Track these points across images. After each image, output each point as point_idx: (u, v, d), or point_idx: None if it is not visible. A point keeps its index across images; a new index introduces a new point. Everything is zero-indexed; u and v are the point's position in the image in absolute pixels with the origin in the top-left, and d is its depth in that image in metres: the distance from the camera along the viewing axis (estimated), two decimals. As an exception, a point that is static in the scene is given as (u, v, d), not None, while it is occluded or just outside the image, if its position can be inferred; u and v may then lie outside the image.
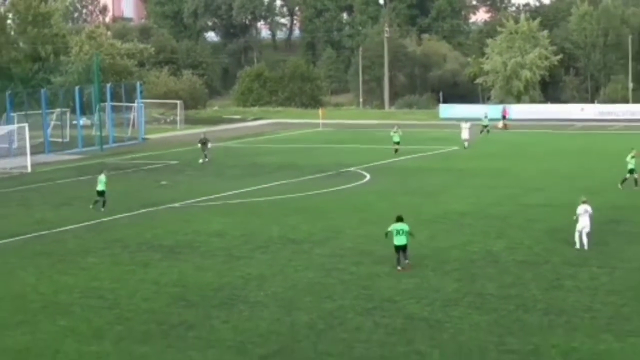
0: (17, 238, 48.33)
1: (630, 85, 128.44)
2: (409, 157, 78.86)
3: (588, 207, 41.34)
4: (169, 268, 40.85)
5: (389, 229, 37.26)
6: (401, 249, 36.50)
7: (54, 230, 50.19)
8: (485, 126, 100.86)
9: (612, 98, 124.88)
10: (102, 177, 55.13)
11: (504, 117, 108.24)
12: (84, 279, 39.61)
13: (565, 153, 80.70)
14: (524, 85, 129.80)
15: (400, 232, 36.18)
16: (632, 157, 60.55)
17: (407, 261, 36.84)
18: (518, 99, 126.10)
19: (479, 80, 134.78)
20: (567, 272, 38.89)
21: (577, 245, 41.37)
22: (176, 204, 57.31)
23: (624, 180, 59.90)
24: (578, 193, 57.71)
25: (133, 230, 50.00)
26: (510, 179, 65.24)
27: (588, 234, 40.98)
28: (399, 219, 37.02)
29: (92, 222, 52.14)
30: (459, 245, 44.32)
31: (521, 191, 59.48)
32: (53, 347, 30.70)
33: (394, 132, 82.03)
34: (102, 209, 53.95)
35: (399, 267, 36.67)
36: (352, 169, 71.43)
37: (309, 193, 60.75)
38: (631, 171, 60.41)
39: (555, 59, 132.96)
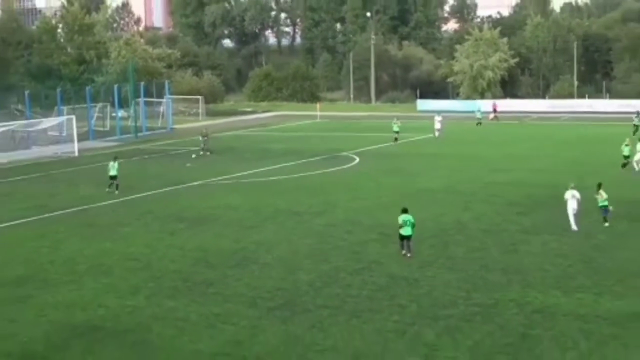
0: (66, 211, 48.47)
1: (575, 83, 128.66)
2: (391, 143, 78.78)
3: (575, 192, 39.81)
4: (192, 236, 41.02)
5: (399, 221, 34.56)
6: (406, 238, 34.51)
7: (96, 205, 50.29)
8: (479, 119, 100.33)
9: (560, 94, 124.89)
10: (114, 164, 54.63)
11: (494, 111, 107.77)
12: (122, 245, 39.75)
13: (523, 140, 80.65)
14: (487, 83, 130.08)
15: (407, 222, 34.05)
16: (626, 145, 59.65)
17: (409, 254, 34.71)
18: (482, 95, 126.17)
19: (449, 79, 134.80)
20: (522, 239, 39.06)
21: (574, 227, 39.26)
22: (198, 182, 57.39)
23: (624, 165, 58.90)
24: (534, 173, 58.30)
25: (162, 205, 50.10)
26: (477, 161, 65.25)
27: (575, 216, 39.54)
28: (404, 211, 34.66)
29: (128, 197, 52.25)
30: (433, 217, 44.41)
31: (486, 172, 59.55)
32: (96, 302, 30.85)
33: (394, 123, 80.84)
34: (116, 192, 53.37)
35: (403, 252, 34.85)
36: (344, 153, 71.41)
37: (309, 173, 60.81)
38: (626, 158, 59.10)
39: (513, 61, 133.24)
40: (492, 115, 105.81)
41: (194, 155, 69.08)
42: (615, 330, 26.26)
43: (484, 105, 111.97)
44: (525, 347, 25.16)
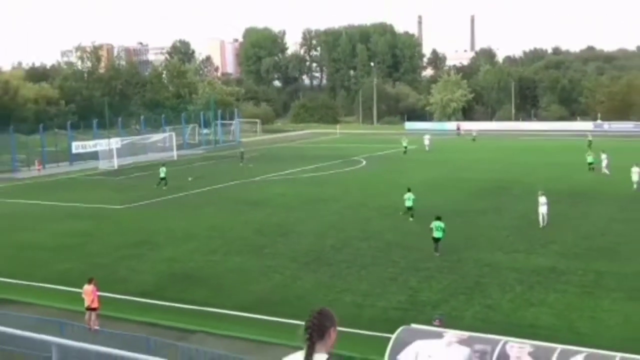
0: (167, 197, 48.73)
1: (513, 111, 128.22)
2: (389, 152, 78.70)
3: (544, 198, 36.30)
4: (252, 214, 41.11)
5: (432, 226, 30.50)
6: (437, 240, 30.14)
7: (187, 193, 50.50)
8: (458, 134, 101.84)
9: (503, 118, 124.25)
10: (163, 168, 53.68)
11: (458, 129, 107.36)
12: (204, 220, 39.96)
13: (479, 150, 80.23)
14: (452, 111, 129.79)
15: (438, 228, 30.00)
16: (589, 154, 56.31)
17: (437, 253, 29.94)
18: (449, 119, 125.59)
19: (427, 108, 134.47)
20: (477, 216, 38.95)
21: (541, 225, 35.57)
22: (258, 178, 57.52)
23: (589, 169, 54.85)
24: (486, 171, 57.84)
25: (232, 193, 50.23)
26: (451, 164, 64.84)
27: (545, 215, 35.85)
28: (438, 218, 30.46)
29: (208, 188, 52.37)
30: (417, 201, 44.34)
31: (454, 171, 59.23)
32: (188, 258, 31.13)
33: (403, 140, 78.07)
34: (165, 188, 51.71)
35: (436, 254, 29.98)
36: (355, 158, 71.34)
37: (331, 172, 60.83)
38: (590, 164, 55.13)
39: (470, 96, 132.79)
40: (458, 132, 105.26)
41: (241, 164, 67.81)
42: (539, 279, 26.24)
43: (450, 126, 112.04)
44: (478, 290, 25.18)
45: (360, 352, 19.40)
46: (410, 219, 37.17)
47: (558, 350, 12.72)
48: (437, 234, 30.18)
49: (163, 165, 55.58)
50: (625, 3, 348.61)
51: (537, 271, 27.20)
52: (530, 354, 12.66)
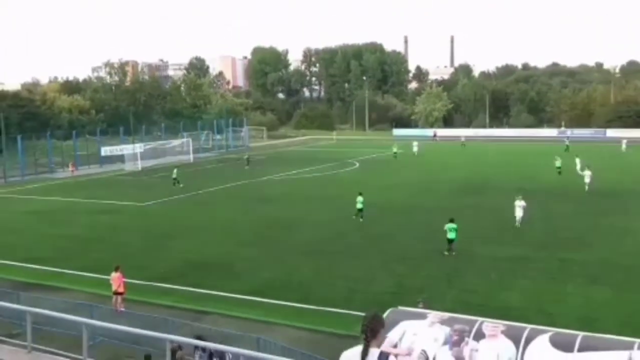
0: (186, 194, 48.62)
1: (487, 119, 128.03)
2: (379, 155, 78.66)
3: (522, 202, 35.02)
4: (261, 210, 41.03)
5: (445, 228, 28.56)
6: (450, 241, 28.32)
7: (203, 191, 50.41)
8: (435, 141, 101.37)
9: (478, 126, 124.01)
10: (175, 170, 54.10)
11: (434, 135, 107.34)
12: (218, 215, 39.90)
13: (459, 154, 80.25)
14: (434, 119, 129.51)
15: (452, 229, 28.21)
16: (556, 159, 54.70)
17: (453, 252, 28.11)
18: (432, 126, 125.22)
19: (412, 117, 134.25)
20: (456, 212, 38.61)
21: (517, 224, 34.11)
22: (265, 178, 57.45)
23: (559, 172, 53.03)
24: (465, 172, 57.74)
25: (242, 191, 50.16)
26: (430, 166, 64.90)
27: (521, 217, 34.65)
28: (451, 220, 28.63)
29: (222, 186, 52.27)
30: (402, 198, 44.34)
31: (437, 172, 59.27)
32: (204, 248, 31.00)
33: (394, 146, 76.06)
34: (181, 186, 51.65)
35: (445, 252, 28.19)
36: (349, 160, 71.32)
37: (328, 172, 60.78)
38: (558, 168, 53.52)
39: (450, 106, 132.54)
40: (434, 139, 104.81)
41: (246, 167, 66.98)
42: (511, 266, 26.21)
43: (429, 132, 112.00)
44: (458, 276, 25.14)
45: (354, 330, 19.33)
46: (360, 219, 35.94)
47: (528, 330, 12.66)
48: (450, 235, 28.41)
49: (176, 167, 55.84)
50: (586, 24, 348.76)
51: (509, 259, 27.17)
52: (503, 332, 12.60)
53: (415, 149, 77.39)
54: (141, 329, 10.53)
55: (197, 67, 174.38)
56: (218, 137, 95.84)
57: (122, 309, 21.57)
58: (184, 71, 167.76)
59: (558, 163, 54.34)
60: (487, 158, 71.83)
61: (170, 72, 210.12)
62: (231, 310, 21.97)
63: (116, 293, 22.22)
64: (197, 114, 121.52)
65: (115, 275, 22.36)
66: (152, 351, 15.09)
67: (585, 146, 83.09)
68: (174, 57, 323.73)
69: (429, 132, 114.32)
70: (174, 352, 12.23)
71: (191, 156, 77.98)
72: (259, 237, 32.73)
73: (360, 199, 36.39)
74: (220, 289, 24.22)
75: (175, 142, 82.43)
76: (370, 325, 6.49)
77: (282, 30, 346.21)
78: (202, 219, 38.58)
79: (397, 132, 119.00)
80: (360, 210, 36.32)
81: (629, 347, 11.68)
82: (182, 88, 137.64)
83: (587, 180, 44.44)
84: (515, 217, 34.61)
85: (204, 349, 13.60)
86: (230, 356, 13.21)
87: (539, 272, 25.35)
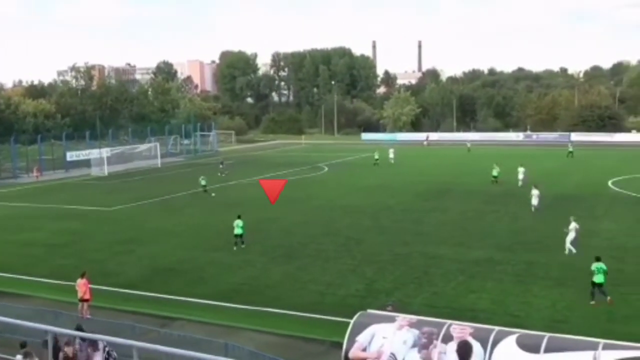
0: (154, 199, 48.15)
1: (455, 123, 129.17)
2: (347, 159, 78.77)
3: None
4: (229, 214, 40.43)
5: (592, 268, 21.97)
6: (598, 285, 21.59)
7: (171, 196, 49.95)
8: (427, 144, 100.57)
9: (446, 130, 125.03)
10: (202, 178, 51.73)
11: (427, 138, 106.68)
12: (187, 219, 39.58)
13: (428, 156, 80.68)
14: (402, 124, 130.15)
15: (600, 270, 21.62)
16: (494, 168, 51.75)
17: (607, 297, 21.44)
18: (400, 131, 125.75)
19: (381, 121, 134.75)
20: (425, 215, 39.05)
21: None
22: (232, 182, 57.11)
23: (492, 182, 50.69)
24: (434, 175, 58.10)
25: (211, 195, 49.79)
26: (404, 168, 64.97)
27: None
28: (598, 259, 22.11)
29: (189, 191, 51.88)
30: (372, 202, 44.36)
31: (406, 175, 59.43)
32: (171, 253, 30.71)
33: (376, 153, 72.07)
34: (213, 194, 50.74)
35: (592, 302, 21.60)
36: (319, 164, 71.33)
37: (298, 176, 60.64)
38: (494, 177, 51.08)
39: (418, 111, 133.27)
40: (426, 142, 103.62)
41: (219, 174, 66.09)
42: (478, 269, 26.40)
43: (420, 136, 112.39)
44: (426, 279, 25.24)
45: (323, 334, 19.32)
46: (242, 246, 30.89)
47: (495, 331, 12.76)
48: (598, 279, 21.74)
49: (203, 176, 52.46)
50: (551, 30, 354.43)
51: (476, 262, 27.37)
52: (471, 334, 12.68)
53: (391, 155, 73.17)
54: (106, 336, 10.39)
55: (165, 71, 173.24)
56: (186, 141, 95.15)
57: (88, 316, 21.23)
58: (152, 75, 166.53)
59: (495, 172, 51.56)
60: (454, 161, 72.39)
61: (138, 76, 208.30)
62: (199, 315, 21.75)
63: (82, 300, 21.85)
64: (165, 118, 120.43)
65: (81, 281, 22.00)
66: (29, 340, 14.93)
67: (549, 150, 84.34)
68: (142, 61, 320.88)
69: (399, 136, 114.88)
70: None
71: (159, 161, 77.27)
72: (228, 241, 32.47)
73: (239, 222, 31.34)
74: (188, 294, 23.99)
75: (143, 147, 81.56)
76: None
77: (250, 34, 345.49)
78: (170, 224, 38.19)
79: (366, 136, 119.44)
80: (240, 236, 31.03)
81: (593, 347, 11.83)
82: (149, 92, 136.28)
83: (534, 202, 38.52)
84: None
85: (83, 339, 13.76)
86: (105, 343, 13.35)
87: (505, 274, 25.58)
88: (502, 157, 71.70)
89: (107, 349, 13.47)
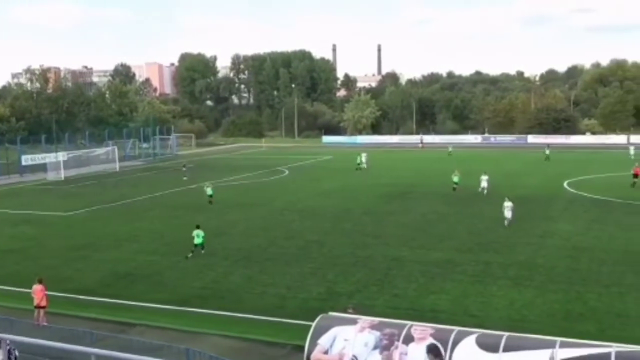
0: (112, 204, 47.43)
1: (414, 126, 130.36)
2: (308, 162, 78.80)
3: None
4: (190, 218, 40.22)
5: None
6: None
7: (131, 200, 49.31)
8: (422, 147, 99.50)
9: (405, 132, 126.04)
10: (207, 186, 52.19)
11: (421, 141, 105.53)
12: (146, 224, 39.11)
13: (386, 159, 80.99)
14: (363, 126, 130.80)
15: None
16: (455, 175, 49.79)
17: None
18: (360, 133, 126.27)
19: (341, 124, 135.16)
20: (386, 217, 39.27)
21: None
22: (193, 185, 56.58)
23: (454, 189, 48.50)
24: (393, 177, 58.38)
25: (171, 199, 49.28)
26: (360, 172, 65.24)
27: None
28: None
29: (150, 195, 51.27)
30: (332, 204, 44.46)
31: (366, 178, 59.68)
32: (130, 258, 30.29)
33: (363, 156, 69.23)
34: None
35: None
36: (279, 168, 71.18)
37: (258, 180, 60.49)
38: (455, 183, 48.91)
39: (378, 113, 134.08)
40: (420, 145, 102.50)
41: (184, 178, 65.67)
42: (439, 270, 26.66)
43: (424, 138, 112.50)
44: (387, 281, 25.38)
45: (285, 338, 19.28)
46: (202, 251, 30.06)
47: (455, 332, 12.91)
48: None
49: (209, 183, 49.24)
50: (508, 34, 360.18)
51: (436, 264, 27.64)
52: (431, 335, 12.81)
53: (363, 159, 68.91)
54: (63, 343, 10.15)
55: (123, 73, 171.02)
56: (145, 145, 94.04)
57: (45, 323, 20.79)
58: (109, 78, 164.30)
59: (456, 178, 49.61)
60: (414, 164, 72.97)
61: (95, 79, 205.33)
62: (159, 320, 21.51)
63: (38, 307, 21.38)
64: (123, 121, 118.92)
65: (37, 287, 21.52)
66: None
67: (506, 152, 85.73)
68: (99, 63, 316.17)
69: (358, 139, 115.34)
70: None
71: (117, 165, 76.18)
72: (188, 246, 32.18)
73: (199, 232, 30.42)
74: (148, 299, 23.70)
75: (100, 151, 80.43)
76: None
77: (210, 37, 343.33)
78: (129, 229, 37.68)
79: (327, 139, 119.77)
80: (200, 245, 30.13)
81: (551, 345, 12.07)
82: (107, 95, 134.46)
83: (507, 214, 35.76)
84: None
85: None
86: (8, 341, 13.17)
87: (465, 275, 25.89)
88: (462, 161, 72.62)
89: (8, 347, 13.20)
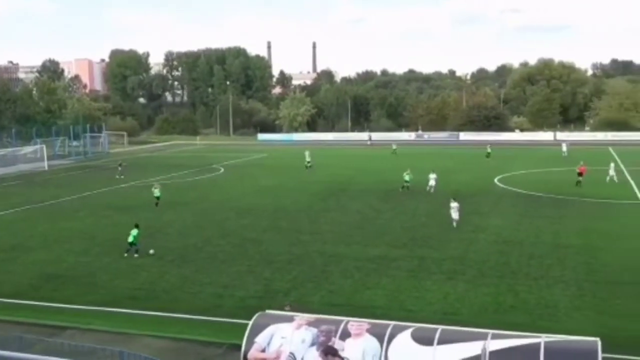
0: (41, 204, 46.08)
1: (349, 123, 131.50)
2: (243, 159, 78.28)
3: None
4: (122, 218, 39.51)
5: None
6: None
7: (60, 200, 48.02)
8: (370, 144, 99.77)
9: (341, 130, 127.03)
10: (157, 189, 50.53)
11: (370, 138, 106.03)
12: (77, 224, 38.14)
13: (321, 156, 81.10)
14: (298, 124, 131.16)
15: None
16: (407, 173, 48.63)
17: None
18: (296, 131, 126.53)
19: (277, 122, 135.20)
20: (321, 214, 39.43)
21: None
22: (125, 185, 55.47)
23: (403, 187, 47.94)
24: (329, 175, 58.63)
25: (102, 199, 48.20)
26: (295, 170, 65.19)
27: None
28: None
29: (80, 195, 50.05)
30: (267, 202, 44.35)
31: (302, 175, 59.77)
32: (61, 259, 29.57)
33: (307, 154, 67.38)
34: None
35: None
36: (214, 166, 70.54)
37: (193, 178, 59.83)
38: (406, 181, 48.01)
39: (314, 111, 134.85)
40: (369, 142, 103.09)
41: (117, 176, 64.00)
42: (374, 266, 26.95)
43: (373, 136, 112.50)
44: (324, 278, 25.50)
45: (222, 337, 19.14)
46: (135, 255, 29.34)
47: (391, 326, 13.11)
48: None
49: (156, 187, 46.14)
50: (440, 33, 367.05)
51: (372, 260, 27.93)
52: (368, 330, 12.97)
53: (308, 158, 66.89)
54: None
55: (51, 70, 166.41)
56: (75, 143, 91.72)
57: (-30, 329, 20.02)
58: (37, 74, 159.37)
59: (407, 177, 48.73)
60: (349, 161, 73.52)
61: (22, 75, 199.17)
62: (91, 323, 20.99)
63: (-38, 311, 20.59)
64: (52, 119, 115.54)
65: (-39, 292, 20.72)
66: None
67: (439, 149, 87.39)
68: (26, 59, 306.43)
69: (294, 137, 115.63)
70: None
71: (45, 163, 74.00)
72: (120, 246, 31.54)
73: (133, 232, 30.09)
74: (80, 301, 23.11)
75: (28, 149, 78.04)
76: None
77: (142, 33, 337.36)
78: (59, 229, 36.65)
79: (262, 136, 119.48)
80: (133, 244, 29.83)
81: (483, 337, 12.40)
82: (34, 92, 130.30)
83: (454, 215, 35.06)
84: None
85: None
86: None
87: (399, 270, 26.26)
88: (397, 158, 73.61)
89: None
